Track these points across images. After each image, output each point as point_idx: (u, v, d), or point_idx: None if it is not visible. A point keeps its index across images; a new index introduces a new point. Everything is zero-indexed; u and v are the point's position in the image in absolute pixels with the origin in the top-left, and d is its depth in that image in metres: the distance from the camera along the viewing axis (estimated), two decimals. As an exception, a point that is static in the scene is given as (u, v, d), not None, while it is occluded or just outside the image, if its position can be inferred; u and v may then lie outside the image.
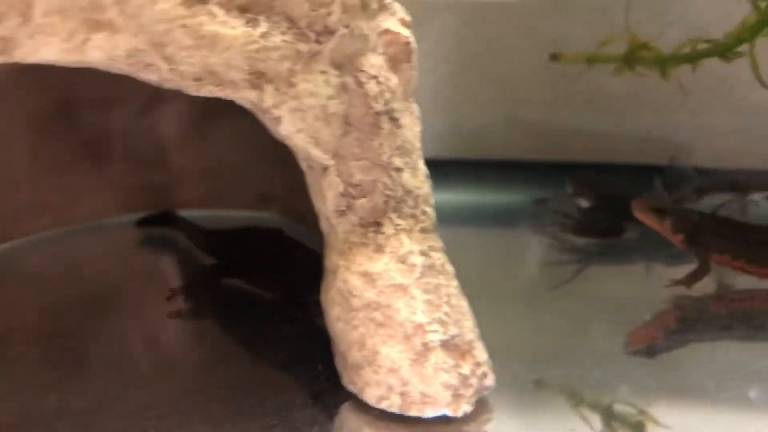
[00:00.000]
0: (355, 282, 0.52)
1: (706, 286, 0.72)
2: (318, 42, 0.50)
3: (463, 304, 0.53)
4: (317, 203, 0.54)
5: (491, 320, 0.60)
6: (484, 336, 0.55)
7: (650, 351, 0.62)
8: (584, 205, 0.90)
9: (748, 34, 0.71)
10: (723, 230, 0.71)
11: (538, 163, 1.03)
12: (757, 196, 0.93)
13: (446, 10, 1.00)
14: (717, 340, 0.64)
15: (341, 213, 0.53)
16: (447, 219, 0.91)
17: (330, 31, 0.50)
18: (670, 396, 0.54)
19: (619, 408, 0.53)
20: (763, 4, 0.73)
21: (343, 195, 0.53)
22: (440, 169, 0.96)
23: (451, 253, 0.81)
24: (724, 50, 0.72)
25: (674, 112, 1.01)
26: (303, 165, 0.54)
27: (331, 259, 0.54)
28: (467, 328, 0.52)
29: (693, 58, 0.75)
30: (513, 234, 0.90)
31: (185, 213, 0.84)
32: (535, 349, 0.62)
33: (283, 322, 0.64)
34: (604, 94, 0.97)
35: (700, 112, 1.00)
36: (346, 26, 0.50)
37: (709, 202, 0.91)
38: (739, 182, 0.93)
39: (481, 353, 0.52)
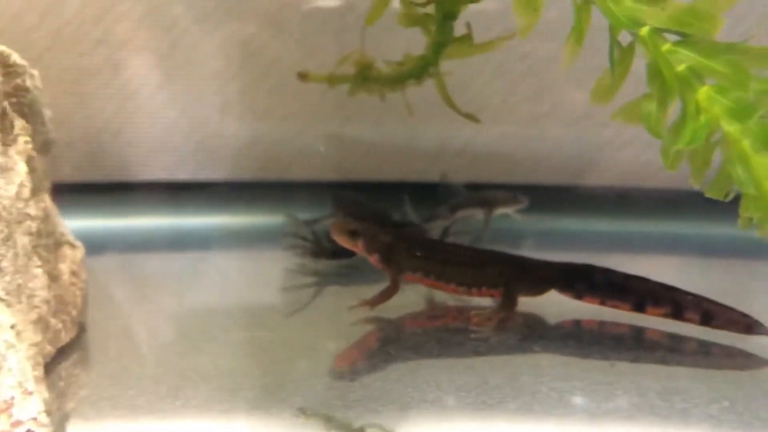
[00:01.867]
0: None
1: (413, 304, 0.75)
2: None
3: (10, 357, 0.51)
4: None
5: (219, 347, 0.65)
6: (209, 364, 0.59)
7: (353, 372, 0.64)
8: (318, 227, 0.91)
9: (432, 55, 0.69)
10: (415, 249, 0.73)
11: (323, 183, 1.04)
12: (504, 211, 0.95)
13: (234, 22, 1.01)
14: (413, 359, 0.66)
15: None
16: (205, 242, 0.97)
17: None
18: (373, 412, 0.56)
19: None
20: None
21: None
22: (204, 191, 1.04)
23: (195, 278, 0.83)
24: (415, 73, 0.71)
25: (466, 126, 1.06)
26: None
27: None
28: (7, 385, 0.51)
29: (397, 80, 0.74)
30: (264, 258, 0.93)
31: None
32: (249, 375, 0.63)
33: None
34: (395, 111, 0.90)
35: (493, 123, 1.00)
36: None
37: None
38: (487, 199, 0.94)
39: (24, 411, 0.50)
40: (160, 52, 1.03)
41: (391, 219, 0.92)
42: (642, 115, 0.52)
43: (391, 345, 0.69)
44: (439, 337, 0.69)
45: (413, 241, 0.73)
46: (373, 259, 0.73)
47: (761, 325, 0.64)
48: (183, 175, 1.09)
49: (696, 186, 0.54)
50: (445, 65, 0.76)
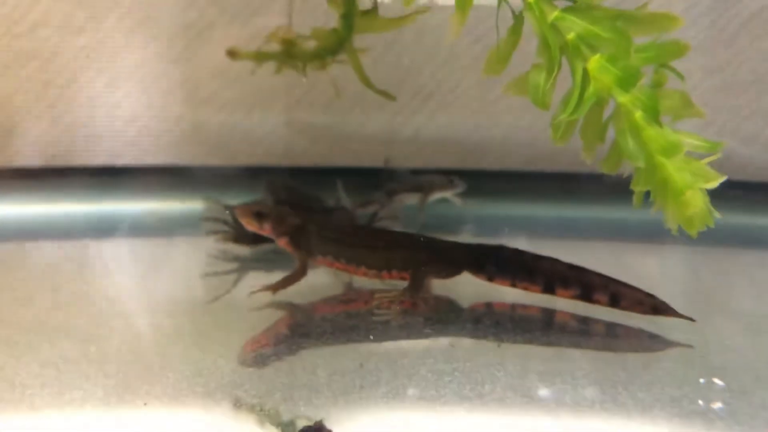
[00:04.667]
0: None
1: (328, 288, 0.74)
2: None
3: None
4: None
5: (145, 335, 0.64)
6: (136, 351, 0.58)
7: (259, 358, 0.63)
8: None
9: (343, 30, 0.67)
10: (325, 233, 0.71)
11: (269, 168, 1.01)
12: (441, 195, 0.93)
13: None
14: (325, 346, 0.64)
15: None
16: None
17: None
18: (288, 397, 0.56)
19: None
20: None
21: None
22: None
23: (114, 265, 0.82)
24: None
25: (415, 113, 1.00)
26: None
27: None
28: None
29: (316, 56, 0.72)
30: (194, 243, 0.90)
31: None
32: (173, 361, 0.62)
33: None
34: (345, 95, 0.90)
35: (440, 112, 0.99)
36: None
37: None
38: (422, 184, 0.93)
39: None
40: (101, 35, 1.02)
41: (324, 204, 0.91)
42: (530, 86, 0.51)
43: (299, 330, 0.68)
44: (342, 322, 0.68)
45: (323, 224, 0.71)
46: (282, 242, 0.71)
47: (667, 305, 0.63)
48: (125, 160, 1.09)
49: (588, 161, 0.52)
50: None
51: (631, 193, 0.59)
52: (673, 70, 0.49)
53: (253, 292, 0.70)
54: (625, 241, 0.94)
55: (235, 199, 0.95)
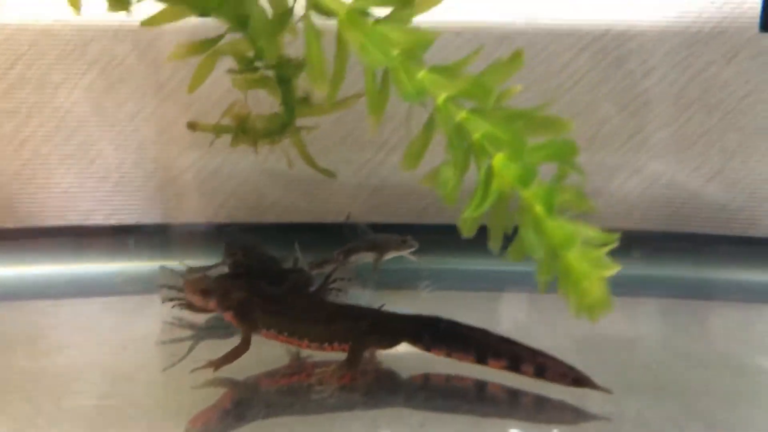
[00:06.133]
0: None
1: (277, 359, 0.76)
2: None
3: None
4: None
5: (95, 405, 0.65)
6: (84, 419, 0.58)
7: None
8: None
9: (285, 115, 0.71)
10: (269, 305, 0.74)
11: (235, 225, 1.06)
12: (395, 255, 0.96)
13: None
14: (268, 419, 0.67)
15: None
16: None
17: None
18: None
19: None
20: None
21: None
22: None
23: (69, 328, 0.84)
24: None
25: (380, 166, 1.05)
26: None
27: None
28: None
29: (266, 134, 0.75)
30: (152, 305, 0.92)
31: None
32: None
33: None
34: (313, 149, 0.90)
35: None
36: None
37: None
38: (377, 243, 0.96)
39: None
40: (76, 96, 1.06)
41: (280, 267, 0.94)
42: (440, 181, 0.54)
43: (244, 404, 0.70)
44: (285, 396, 0.70)
45: (267, 297, 0.74)
46: (228, 317, 0.74)
47: (587, 378, 0.66)
48: (96, 219, 1.12)
49: (494, 251, 0.55)
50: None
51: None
52: (573, 166, 0.53)
53: (195, 369, 0.72)
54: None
55: (202, 258, 0.99)
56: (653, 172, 1.12)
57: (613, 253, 1.05)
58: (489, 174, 0.52)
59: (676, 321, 0.94)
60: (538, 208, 0.52)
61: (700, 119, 1.10)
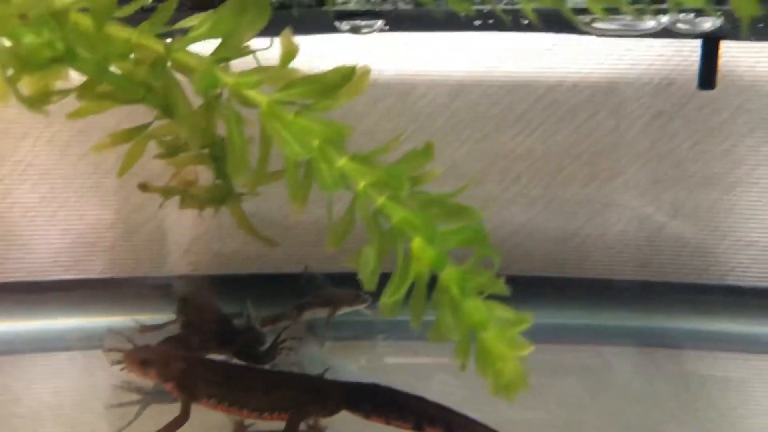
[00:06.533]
0: None
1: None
2: None
3: None
4: None
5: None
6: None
7: None
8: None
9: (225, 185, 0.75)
10: (209, 375, 0.75)
11: (196, 277, 1.09)
12: (349, 310, 0.98)
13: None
14: None
15: None
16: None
17: None
18: None
19: None
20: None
21: None
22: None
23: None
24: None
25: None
26: None
27: None
28: None
29: (209, 201, 0.78)
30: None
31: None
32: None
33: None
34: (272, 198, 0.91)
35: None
36: None
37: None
38: (331, 298, 0.97)
39: None
40: (37, 149, 1.08)
41: (232, 325, 0.95)
42: (360, 264, 0.56)
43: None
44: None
45: (208, 366, 0.75)
46: (168, 387, 0.75)
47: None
48: (56, 273, 1.13)
49: (415, 329, 0.57)
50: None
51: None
52: (490, 249, 0.55)
53: None
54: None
55: (162, 311, 1.00)
56: (606, 219, 1.15)
57: (560, 298, 1.11)
58: (407, 258, 0.54)
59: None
60: (454, 290, 0.54)
61: (652, 168, 1.13)
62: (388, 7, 0.65)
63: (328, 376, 0.77)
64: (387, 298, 0.52)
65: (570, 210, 1.13)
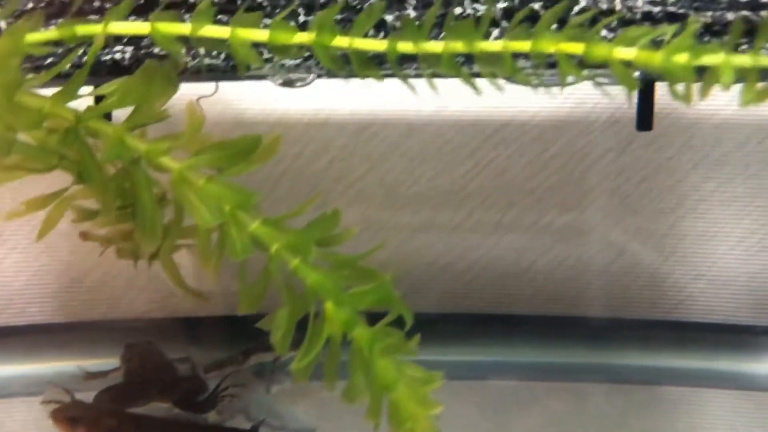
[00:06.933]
0: None
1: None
2: None
3: None
4: None
5: None
6: None
7: None
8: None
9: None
10: (144, 428, 0.76)
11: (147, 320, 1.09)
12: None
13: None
14: None
15: None
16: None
17: None
18: None
19: None
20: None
21: None
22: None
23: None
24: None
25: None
26: None
27: None
28: None
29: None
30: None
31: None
32: None
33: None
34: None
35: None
36: None
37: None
38: None
39: None
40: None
41: (175, 373, 0.95)
42: (273, 326, 0.56)
43: None
44: None
45: (140, 422, 0.76)
46: None
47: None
48: (5, 317, 1.13)
49: (329, 391, 0.58)
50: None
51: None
52: (404, 309, 0.55)
53: None
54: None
55: (110, 356, 0.99)
56: (558, 254, 1.16)
57: (508, 334, 1.12)
58: (320, 319, 0.55)
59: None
60: (365, 351, 0.54)
61: (601, 204, 1.15)
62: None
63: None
64: (298, 362, 0.52)
65: (521, 246, 1.15)
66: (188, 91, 0.83)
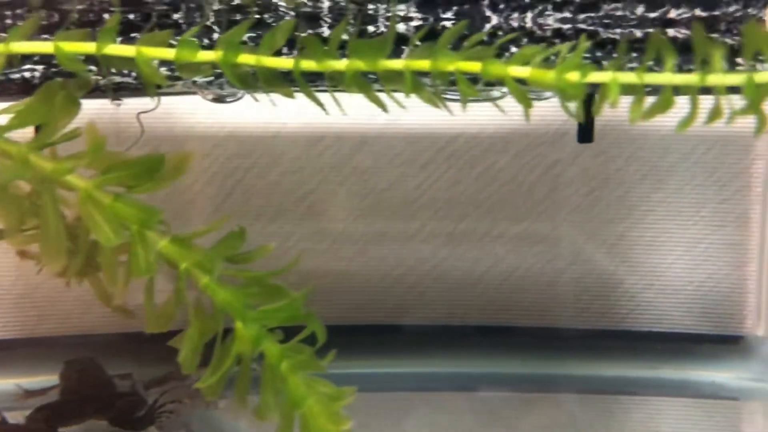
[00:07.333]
0: None
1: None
2: None
3: None
4: None
5: None
6: None
7: None
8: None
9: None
10: None
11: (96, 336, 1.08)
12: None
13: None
14: None
15: None
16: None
17: None
18: None
19: None
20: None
21: None
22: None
23: None
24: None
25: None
26: None
27: None
28: None
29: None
30: None
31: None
32: None
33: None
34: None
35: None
36: None
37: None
38: None
39: None
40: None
41: (114, 390, 0.94)
42: (183, 344, 0.56)
43: None
44: None
45: None
46: None
47: None
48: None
49: (243, 410, 0.58)
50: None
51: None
52: (317, 325, 0.56)
53: None
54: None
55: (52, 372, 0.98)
56: (509, 265, 1.17)
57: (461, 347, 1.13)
58: (229, 338, 0.55)
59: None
60: (275, 368, 0.54)
61: (550, 215, 1.16)
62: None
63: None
64: (205, 380, 0.52)
65: (473, 257, 1.15)
66: (134, 106, 0.84)
